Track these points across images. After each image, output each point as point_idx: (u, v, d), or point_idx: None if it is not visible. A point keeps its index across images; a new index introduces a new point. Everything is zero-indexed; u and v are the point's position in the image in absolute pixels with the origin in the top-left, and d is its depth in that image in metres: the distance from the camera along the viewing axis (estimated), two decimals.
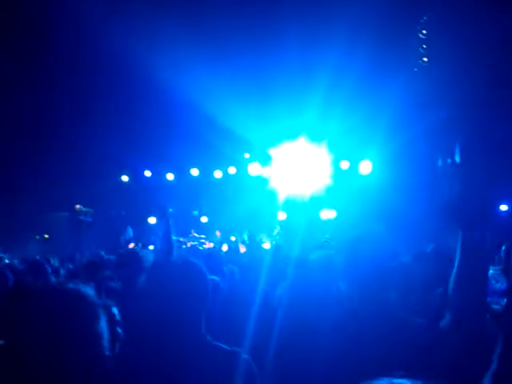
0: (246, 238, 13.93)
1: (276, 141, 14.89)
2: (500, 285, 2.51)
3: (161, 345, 1.97)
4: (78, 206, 15.98)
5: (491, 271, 2.26)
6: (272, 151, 15.75)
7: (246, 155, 17.56)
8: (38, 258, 5.69)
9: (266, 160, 16.98)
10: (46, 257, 6.45)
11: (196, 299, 2.06)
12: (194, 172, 18.02)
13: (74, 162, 15.99)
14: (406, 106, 11.91)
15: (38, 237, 16.91)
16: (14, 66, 12.99)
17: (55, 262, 6.12)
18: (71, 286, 1.35)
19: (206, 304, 2.10)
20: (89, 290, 1.30)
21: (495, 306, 2.24)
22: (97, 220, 16.10)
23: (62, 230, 16.66)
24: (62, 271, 5.27)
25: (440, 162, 12.22)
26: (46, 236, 17.08)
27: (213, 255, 8.25)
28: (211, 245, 15.20)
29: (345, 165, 15.16)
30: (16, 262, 7.90)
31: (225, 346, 2.09)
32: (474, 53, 10.86)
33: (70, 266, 6.06)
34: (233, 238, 15.98)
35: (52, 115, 14.58)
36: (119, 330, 2.43)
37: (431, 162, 12.25)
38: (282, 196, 15.81)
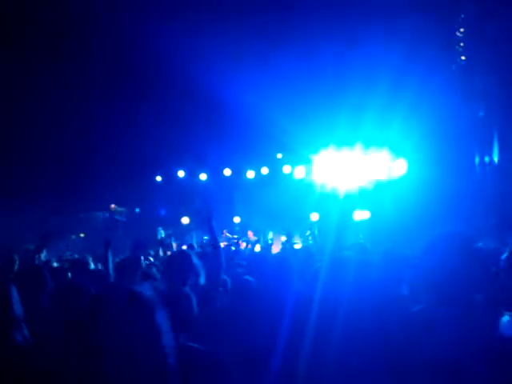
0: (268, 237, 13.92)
1: (309, 141, 14.78)
2: None
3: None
4: (112, 206, 16.25)
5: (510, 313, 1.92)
6: (307, 151, 15.67)
7: (279, 155, 17.53)
8: (77, 256, 5.74)
9: (299, 160, 16.93)
10: (84, 256, 6.55)
11: None
12: (227, 172, 18.07)
13: (109, 163, 16.22)
14: (444, 104, 11.68)
15: (73, 236, 17.23)
16: (54, 66, 13.24)
17: (90, 260, 6.19)
18: (131, 287, 1.41)
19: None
20: (145, 290, 1.37)
21: None
22: (131, 220, 16.32)
23: (97, 229, 16.94)
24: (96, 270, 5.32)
25: (477, 160, 11.97)
26: (82, 235, 17.39)
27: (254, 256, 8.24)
28: (244, 245, 15.18)
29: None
30: (53, 260, 8.01)
31: (198, 346, 2.08)
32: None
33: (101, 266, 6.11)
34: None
35: (88, 117, 14.81)
36: None
37: (469, 160, 12.00)
38: (315, 197, 15.73)
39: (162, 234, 13.81)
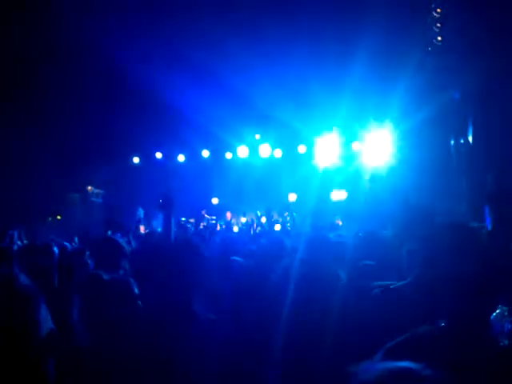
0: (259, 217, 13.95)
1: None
2: (508, 325, 2.09)
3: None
4: (89, 188, 16.11)
5: (498, 310, 1.91)
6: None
7: (257, 136, 17.51)
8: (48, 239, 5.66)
9: (276, 141, 16.99)
10: (53, 238, 6.50)
11: (186, 275, 2.12)
12: (205, 154, 18.06)
13: (85, 144, 16.01)
14: (419, 85, 11.73)
15: (50, 218, 17.04)
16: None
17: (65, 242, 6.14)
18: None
19: (195, 279, 2.14)
20: (23, 280, 1.23)
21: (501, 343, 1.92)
22: (107, 201, 16.21)
23: (74, 211, 16.79)
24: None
25: (452, 142, 12.11)
26: (59, 217, 17.20)
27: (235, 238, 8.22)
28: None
29: (356, 146, 15.06)
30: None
31: (210, 316, 2.12)
32: (489, 32, 10.65)
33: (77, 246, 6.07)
34: (243, 220, 16.04)
35: (65, 99, 14.56)
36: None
37: (444, 141, 12.13)
38: (293, 177, 15.81)
39: (141, 214, 13.67)
